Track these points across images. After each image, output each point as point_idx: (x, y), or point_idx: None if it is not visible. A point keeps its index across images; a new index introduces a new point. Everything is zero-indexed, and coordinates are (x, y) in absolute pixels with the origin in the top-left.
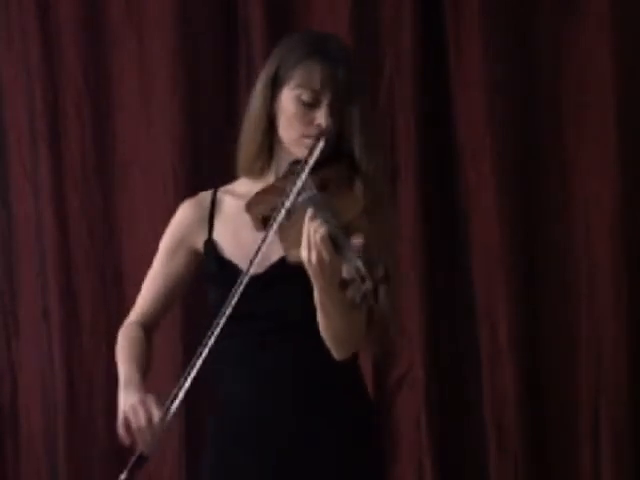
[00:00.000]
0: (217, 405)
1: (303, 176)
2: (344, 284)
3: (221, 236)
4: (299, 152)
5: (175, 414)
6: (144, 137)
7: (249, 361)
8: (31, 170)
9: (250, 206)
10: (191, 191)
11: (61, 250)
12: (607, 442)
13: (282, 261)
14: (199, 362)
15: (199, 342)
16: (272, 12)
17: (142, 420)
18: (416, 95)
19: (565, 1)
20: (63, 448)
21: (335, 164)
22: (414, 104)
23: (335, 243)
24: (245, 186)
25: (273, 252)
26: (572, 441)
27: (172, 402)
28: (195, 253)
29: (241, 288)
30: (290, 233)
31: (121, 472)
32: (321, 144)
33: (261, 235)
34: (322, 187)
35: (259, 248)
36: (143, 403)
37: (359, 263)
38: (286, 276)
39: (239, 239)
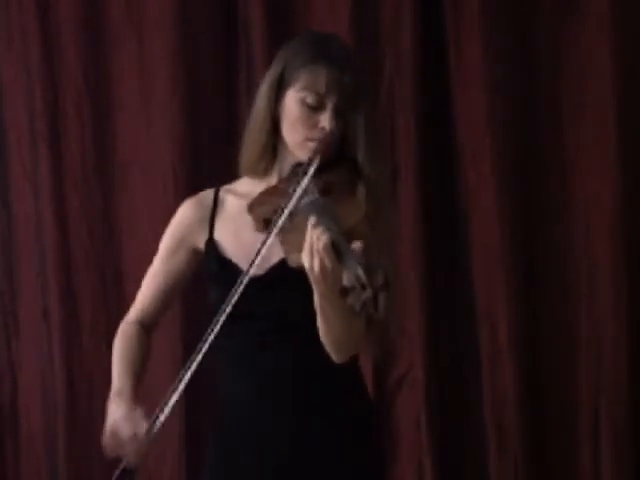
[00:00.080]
0: (217, 405)
1: (306, 180)
2: (344, 292)
3: (222, 236)
4: (302, 155)
5: (173, 414)
6: (144, 137)
7: (249, 361)
8: (31, 170)
9: (252, 207)
10: (191, 191)
11: (61, 250)
12: (607, 442)
13: (282, 263)
14: (194, 365)
15: (199, 341)
16: (272, 12)
17: (127, 434)
18: (416, 95)
19: (565, 1)
20: (63, 448)
21: (338, 168)
22: (414, 104)
23: (337, 250)
24: (247, 186)
25: (273, 254)
26: (572, 441)
27: (159, 414)
28: (195, 252)
29: (241, 288)
30: (291, 237)
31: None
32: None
33: (262, 236)
34: (325, 191)
35: (259, 251)
36: (130, 418)
37: (359, 271)
38: (286, 278)
39: (240, 239)
